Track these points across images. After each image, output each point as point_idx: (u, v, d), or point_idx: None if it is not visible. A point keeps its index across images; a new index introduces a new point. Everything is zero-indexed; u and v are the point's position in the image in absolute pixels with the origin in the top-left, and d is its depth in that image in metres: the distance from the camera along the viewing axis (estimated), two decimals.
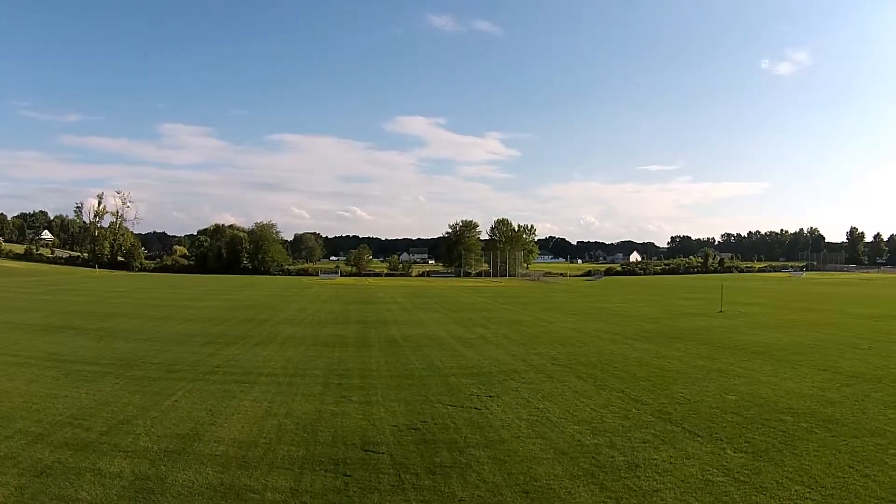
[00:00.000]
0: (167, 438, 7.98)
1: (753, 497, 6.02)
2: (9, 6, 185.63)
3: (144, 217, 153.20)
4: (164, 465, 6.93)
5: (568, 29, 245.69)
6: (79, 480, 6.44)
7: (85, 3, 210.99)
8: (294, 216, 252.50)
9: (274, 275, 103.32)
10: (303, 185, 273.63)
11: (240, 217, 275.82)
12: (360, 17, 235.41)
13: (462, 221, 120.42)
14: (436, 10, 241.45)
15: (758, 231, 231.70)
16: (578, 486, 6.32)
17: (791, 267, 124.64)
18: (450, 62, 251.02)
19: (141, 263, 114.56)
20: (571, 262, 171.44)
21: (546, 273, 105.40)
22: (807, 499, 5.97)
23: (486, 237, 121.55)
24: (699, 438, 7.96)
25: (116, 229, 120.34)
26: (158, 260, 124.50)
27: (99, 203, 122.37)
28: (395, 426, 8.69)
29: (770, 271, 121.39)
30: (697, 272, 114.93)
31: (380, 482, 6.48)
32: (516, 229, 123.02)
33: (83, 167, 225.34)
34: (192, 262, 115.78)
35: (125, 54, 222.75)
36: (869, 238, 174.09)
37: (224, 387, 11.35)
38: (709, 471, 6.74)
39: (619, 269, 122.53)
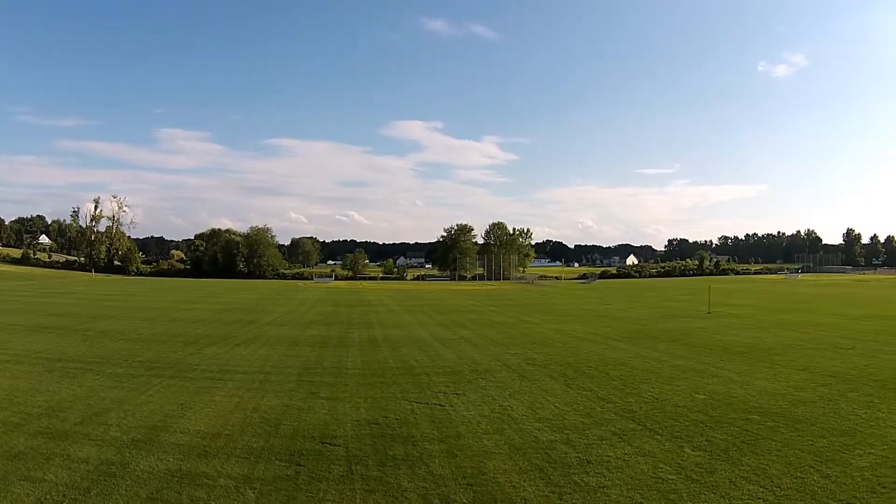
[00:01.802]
0: (136, 429, 8.29)
1: (702, 495, 5.95)
2: (6, 11, 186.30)
3: (142, 222, 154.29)
4: (129, 453, 7.24)
5: (564, 32, 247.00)
6: (48, 464, 6.80)
7: (82, 7, 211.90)
8: (292, 221, 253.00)
9: (269, 279, 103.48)
10: (300, 190, 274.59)
11: (237, 222, 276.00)
12: (356, 22, 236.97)
13: (457, 225, 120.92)
14: (431, 15, 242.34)
15: (755, 233, 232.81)
16: (524, 481, 6.39)
17: (787, 269, 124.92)
18: (446, 66, 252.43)
19: (137, 268, 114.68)
20: (568, 266, 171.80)
21: (541, 276, 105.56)
22: (759, 499, 5.88)
23: (482, 241, 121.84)
24: (658, 436, 7.94)
25: (113, 233, 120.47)
26: (155, 264, 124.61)
27: (96, 207, 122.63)
28: (357, 421, 8.84)
29: (766, 273, 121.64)
30: (693, 275, 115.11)
31: (330, 472, 6.66)
32: (511, 233, 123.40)
33: (81, 172, 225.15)
34: (188, 267, 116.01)
35: (122, 59, 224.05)
36: (866, 240, 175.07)
37: (199, 383, 11.57)
38: (661, 468, 6.71)
39: (614, 272, 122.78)
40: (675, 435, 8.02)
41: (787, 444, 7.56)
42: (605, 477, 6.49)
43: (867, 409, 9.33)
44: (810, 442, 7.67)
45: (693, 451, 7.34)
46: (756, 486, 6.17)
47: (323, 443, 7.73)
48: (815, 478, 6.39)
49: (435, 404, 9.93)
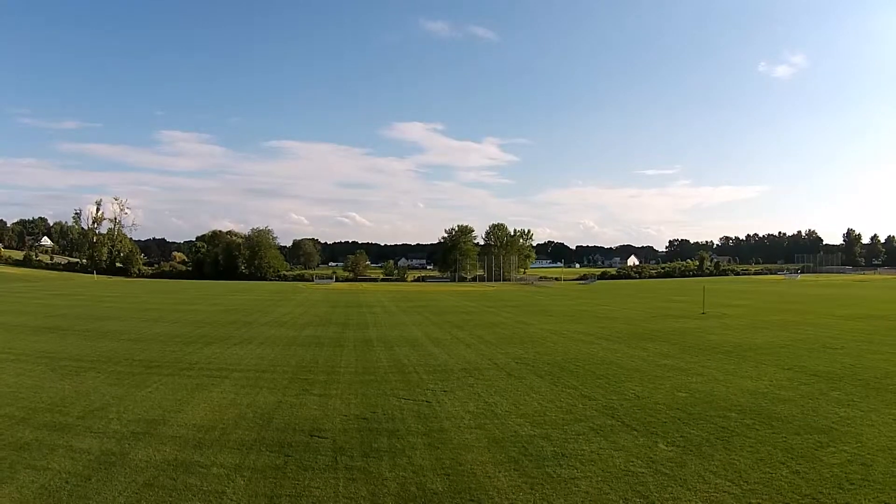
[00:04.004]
0: (135, 423, 8.71)
1: (670, 488, 6.13)
2: (6, 13, 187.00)
3: (144, 224, 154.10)
4: (129, 444, 7.67)
5: (564, 33, 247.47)
6: (52, 454, 7.22)
7: (83, 10, 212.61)
8: (293, 222, 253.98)
9: (270, 280, 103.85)
10: (301, 192, 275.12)
11: (239, 223, 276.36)
12: (356, 24, 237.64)
13: (458, 226, 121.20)
14: (431, 17, 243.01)
15: (756, 234, 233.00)
16: (499, 472, 6.71)
17: (786, 269, 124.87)
18: (446, 68, 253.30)
19: (139, 269, 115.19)
20: (569, 267, 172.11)
21: (541, 277, 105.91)
22: (725, 492, 6.03)
23: (483, 242, 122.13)
24: (635, 432, 8.15)
25: (114, 236, 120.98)
26: (156, 266, 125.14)
27: (97, 210, 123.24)
28: (346, 416, 9.21)
29: (766, 274, 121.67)
30: (693, 275, 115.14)
31: (316, 462, 7.05)
32: (512, 234, 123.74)
33: (82, 174, 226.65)
34: (189, 269, 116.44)
35: (123, 61, 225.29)
36: (866, 240, 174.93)
37: (196, 381, 11.96)
38: (633, 462, 6.92)
39: (614, 272, 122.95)
40: (651, 431, 8.21)
41: (761, 441, 7.68)
42: (577, 469, 6.73)
43: (846, 408, 9.39)
44: (784, 439, 7.78)
45: (667, 446, 7.52)
46: (724, 480, 6.34)
47: (312, 436, 8.10)
48: (783, 473, 6.53)
49: (422, 401, 10.26)
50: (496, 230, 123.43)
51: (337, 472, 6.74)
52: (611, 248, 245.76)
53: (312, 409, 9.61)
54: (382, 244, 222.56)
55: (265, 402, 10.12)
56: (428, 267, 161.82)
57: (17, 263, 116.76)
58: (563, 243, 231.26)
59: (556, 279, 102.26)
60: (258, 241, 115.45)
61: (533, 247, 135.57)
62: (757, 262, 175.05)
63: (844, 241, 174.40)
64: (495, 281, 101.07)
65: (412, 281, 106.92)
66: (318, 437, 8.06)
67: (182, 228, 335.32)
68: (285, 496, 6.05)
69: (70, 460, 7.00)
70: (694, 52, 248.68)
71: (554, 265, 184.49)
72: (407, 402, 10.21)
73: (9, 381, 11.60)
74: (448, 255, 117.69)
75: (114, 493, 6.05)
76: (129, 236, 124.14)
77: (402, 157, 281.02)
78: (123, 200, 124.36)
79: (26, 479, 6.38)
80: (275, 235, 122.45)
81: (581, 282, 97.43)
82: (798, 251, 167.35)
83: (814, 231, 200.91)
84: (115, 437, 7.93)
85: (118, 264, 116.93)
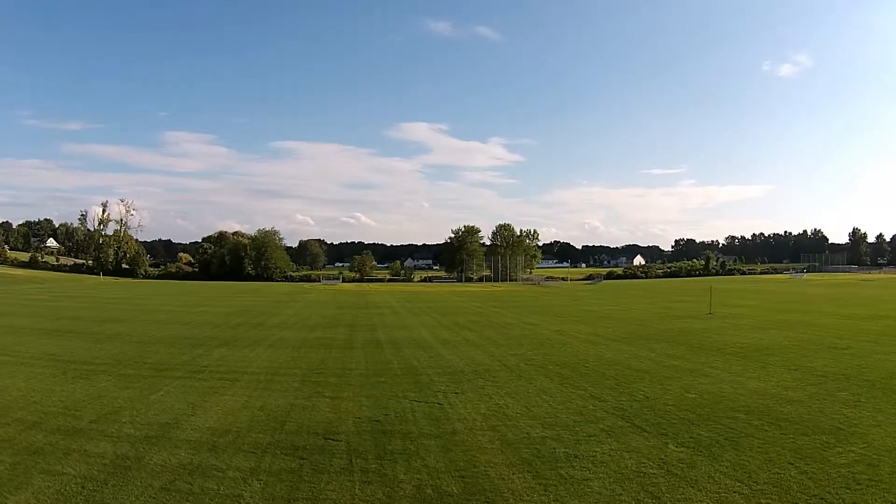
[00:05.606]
0: (149, 426, 8.73)
1: (681, 489, 6.17)
2: (9, 14, 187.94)
3: (150, 225, 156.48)
4: (143, 448, 7.69)
5: (568, 33, 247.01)
6: (66, 458, 7.24)
7: (86, 11, 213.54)
8: (299, 223, 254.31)
9: (277, 281, 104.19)
10: (307, 192, 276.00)
11: (244, 224, 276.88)
12: (360, 24, 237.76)
13: (464, 227, 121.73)
14: (435, 17, 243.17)
15: (762, 233, 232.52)
16: (513, 474, 6.75)
17: (792, 269, 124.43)
18: (451, 68, 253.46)
19: (145, 271, 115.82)
20: (575, 267, 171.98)
21: (547, 277, 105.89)
22: (735, 492, 6.08)
23: (489, 242, 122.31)
24: (645, 433, 8.17)
25: (121, 237, 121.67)
26: (163, 267, 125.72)
27: (103, 211, 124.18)
28: (358, 418, 9.25)
29: (772, 273, 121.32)
30: (699, 275, 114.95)
31: (331, 465, 7.09)
32: (518, 234, 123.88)
33: (87, 175, 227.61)
34: (196, 270, 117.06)
35: (126, 62, 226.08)
36: (871, 239, 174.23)
37: (208, 384, 12.01)
38: (644, 463, 6.96)
39: (620, 272, 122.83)
40: (661, 432, 8.23)
41: (769, 442, 7.71)
42: (589, 471, 6.77)
43: (853, 409, 9.39)
44: (792, 440, 7.79)
45: (677, 447, 7.55)
46: (733, 481, 6.37)
47: (325, 438, 8.15)
48: (792, 474, 6.55)
49: (434, 403, 10.31)
50: (502, 230, 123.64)
51: (352, 474, 6.78)
52: (616, 247, 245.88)
53: (325, 412, 9.66)
54: (388, 245, 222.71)
55: (277, 404, 10.17)
56: (434, 267, 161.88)
57: (23, 265, 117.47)
58: (568, 243, 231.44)
59: (563, 279, 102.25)
60: (264, 242, 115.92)
61: (539, 247, 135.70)
62: (763, 262, 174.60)
63: (850, 240, 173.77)
64: (502, 281, 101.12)
65: (419, 281, 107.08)
66: (332, 439, 8.11)
67: (188, 229, 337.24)
68: (302, 499, 6.09)
69: (85, 465, 7.02)
70: (698, 52, 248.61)
71: (560, 265, 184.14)
72: (418, 403, 10.26)
73: (19, 385, 11.64)
74: (454, 255, 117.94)
75: (131, 498, 6.08)
76: (135, 237, 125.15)
77: (408, 157, 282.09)
78: (129, 202, 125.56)
79: (42, 485, 6.41)
80: (281, 236, 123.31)
81: (587, 282, 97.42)
82: (804, 250, 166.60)
83: (819, 230, 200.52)
84: (130, 441, 7.96)
85: (124, 265, 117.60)
